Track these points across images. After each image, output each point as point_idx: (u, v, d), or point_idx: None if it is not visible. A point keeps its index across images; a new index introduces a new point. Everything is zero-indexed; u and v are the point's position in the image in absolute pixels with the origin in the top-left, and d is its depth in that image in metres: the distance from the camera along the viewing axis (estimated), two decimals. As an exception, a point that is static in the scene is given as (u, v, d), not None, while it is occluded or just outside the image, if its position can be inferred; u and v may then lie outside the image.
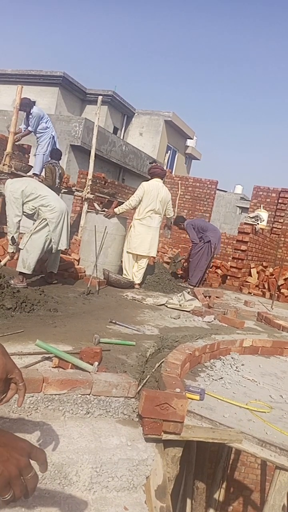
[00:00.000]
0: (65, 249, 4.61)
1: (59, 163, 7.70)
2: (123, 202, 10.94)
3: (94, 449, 1.66)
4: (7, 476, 0.73)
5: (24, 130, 7.23)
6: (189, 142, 24.74)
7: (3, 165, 5.73)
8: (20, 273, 4.13)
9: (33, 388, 1.79)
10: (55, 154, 7.78)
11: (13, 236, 4.23)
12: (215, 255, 7.51)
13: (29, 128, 7.20)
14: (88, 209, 7.47)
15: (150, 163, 10.62)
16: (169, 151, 17.85)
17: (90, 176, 7.83)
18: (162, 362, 2.56)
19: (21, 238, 4.35)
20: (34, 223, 4.32)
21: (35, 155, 7.54)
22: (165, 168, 12.08)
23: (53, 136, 7.55)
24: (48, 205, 4.26)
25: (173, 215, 6.19)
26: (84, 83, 19.26)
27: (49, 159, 7.33)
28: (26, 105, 6.99)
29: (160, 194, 5.72)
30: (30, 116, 7.11)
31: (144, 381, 2.27)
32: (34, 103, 7.48)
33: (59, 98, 18.35)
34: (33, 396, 1.78)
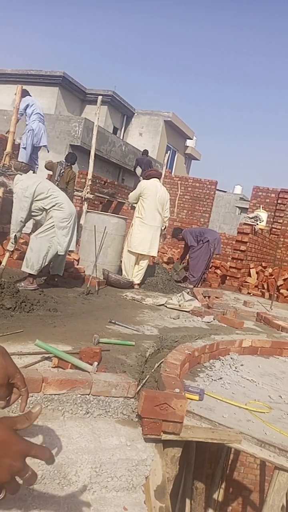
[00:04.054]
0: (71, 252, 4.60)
1: (72, 167, 7.65)
2: (123, 203, 10.92)
3: (94, 449, 1.66)
4: None
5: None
6: (188, 142, 24.73)
7: (3, 164, 5.72)
8: (30, 275, 4.08)
9: (32, 388, 1.79)
10: (70, 157, 7.71)
11: (15, 235, 4.13)
12: (215, 255, 7.53)
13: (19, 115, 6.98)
14: (87, 209, 7.47)
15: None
16: (168, 151, 17.82)
17: (89, 176, 7.83)
18: (161, 362, 2.56)
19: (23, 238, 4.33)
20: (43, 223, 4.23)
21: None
22: (164, 168, 12.12)
23: (33, 130, 7.05)
24: (60, 207, 4.13)
25: (169, 216, 6.16)
26: (84, 83, 19.26)
27: (34, 156, 7.21)
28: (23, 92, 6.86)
29: (158, 192, 5.73)
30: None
31: (144, 381, 2.27)
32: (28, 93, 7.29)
33: (59, 98, 18.34)
34: (32, 396, 1.78)
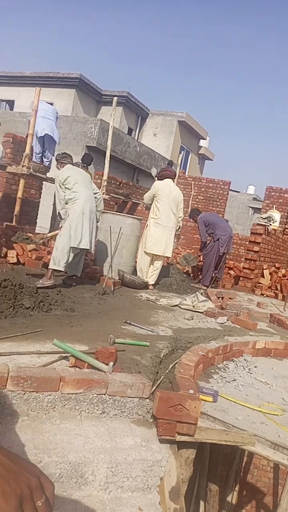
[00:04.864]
0: (88, 250, 4.68)
1: (88, 168, 7.68)
2: (138, 203, 10.95)
3: (110, 449, 1.69)
4: (19, 495, 0.61)
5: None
6: (202, 143, 24.64)
7: (22, 166, 5.81)
8: (48, 270, 4.33)
9: (50, 387, 1.83)
10: (86, 158, 7.73)
11: (59, 212, 4.61)
12: (228, 254, 7.49)
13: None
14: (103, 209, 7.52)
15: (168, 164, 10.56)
16: (182, 152, 17.82)
17: (105, 177, 7.88)
18: (175, 363, 2.58)
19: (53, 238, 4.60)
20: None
21: None
22: (178, 168, 12.09)
23: (36, 131, 6.92)
24: (75, 202, 4.46)
25: (183, 216, 6.15)
26: (100, 84, 19.38)
27: (44, 157, 7.28)
28: None
29: (172, 192, 5.74)
30: None
31: (158, 382, 2.30)
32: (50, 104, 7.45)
33: (75, 99, 18.48)
34: (50, 395, 1.82)
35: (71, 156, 4.95)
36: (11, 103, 19.85)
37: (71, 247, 4.38)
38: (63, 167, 4.71)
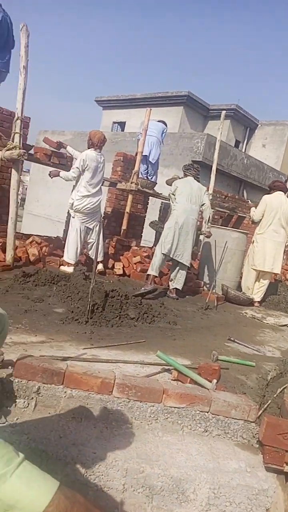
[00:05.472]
0: (183, 263, 4.69)
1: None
2: (244, 217, 10.64)
3: (212, 469, 1.63)
4: None
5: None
6: None
7: (131, 183, 6.11)
8: (148, 276, 4.65)
9: (153, 398, 1.85)
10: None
11: None
12: None
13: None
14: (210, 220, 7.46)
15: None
16: (294, 162, 16.86)
17: (210, 191, 7.83)
18: (285, 388, 2.40)
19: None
20: None
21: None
22: (290, 180, 11.42)
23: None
24: (172, 213, 4.72)
25: None
26: (208, 99, 19.56)
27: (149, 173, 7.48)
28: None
29: (283, 206, 5.45)
30: None
31: (265, 405, 2.16)
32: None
33: (182, 116, 18.92)
34: (153, 406, 1.84)
35: (196, 169, 5.04)
36: (122, 125, 21.16)
37: (162, 253, 4.62)
38: (185, 177, 5.00)
